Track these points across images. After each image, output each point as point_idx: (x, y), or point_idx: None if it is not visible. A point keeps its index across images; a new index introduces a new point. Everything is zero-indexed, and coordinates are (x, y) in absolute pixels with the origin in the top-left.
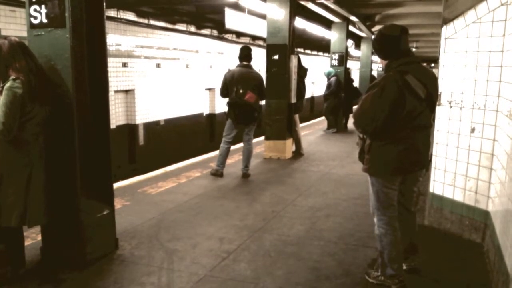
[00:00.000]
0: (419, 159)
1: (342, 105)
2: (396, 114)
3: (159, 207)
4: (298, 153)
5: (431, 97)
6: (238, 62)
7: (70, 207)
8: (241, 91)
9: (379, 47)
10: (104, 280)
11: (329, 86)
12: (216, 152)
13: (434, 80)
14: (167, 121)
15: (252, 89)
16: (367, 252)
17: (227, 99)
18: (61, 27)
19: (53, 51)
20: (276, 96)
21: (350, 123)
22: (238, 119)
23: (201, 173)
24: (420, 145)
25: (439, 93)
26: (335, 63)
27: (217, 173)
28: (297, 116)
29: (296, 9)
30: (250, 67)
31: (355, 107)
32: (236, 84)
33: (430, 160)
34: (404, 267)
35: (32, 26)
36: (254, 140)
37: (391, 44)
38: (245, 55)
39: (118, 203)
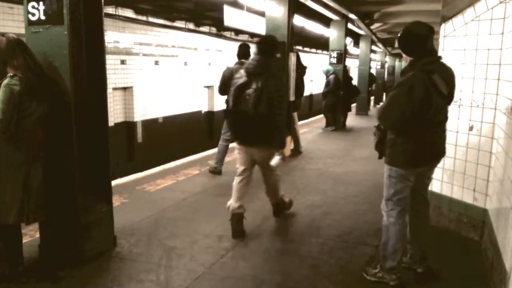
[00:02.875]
0: (439, 152)
1: (340, 103)
2: (423, 112)
3: (157, 204)
4: (296, 151)
5: (451, 94)
6: (236, 60)
7: (68, 205)
8: None
9: (406, 44)
10: (103, 278)
11: (327, 84)
12: (215, 150)
13: (453, 77)
14: (166, 119)
15: None
16: (365, 249)
17: (225, 97)
18: (59, 24)
19: (51, 48)
20: None
21: (349, 121)
22: None
23: (200, 171)
24: (440, 139)
25: None
26: (334, 61)
27: (216, 171)
28: (295, 114)
29: (295, 7)
30: None
31: (353, 105)
32: None
33: None
34: (420, 270)
35: (30, 23)
36: None
37: (419, 42)
38: (244, 52)
39: (116, 201)
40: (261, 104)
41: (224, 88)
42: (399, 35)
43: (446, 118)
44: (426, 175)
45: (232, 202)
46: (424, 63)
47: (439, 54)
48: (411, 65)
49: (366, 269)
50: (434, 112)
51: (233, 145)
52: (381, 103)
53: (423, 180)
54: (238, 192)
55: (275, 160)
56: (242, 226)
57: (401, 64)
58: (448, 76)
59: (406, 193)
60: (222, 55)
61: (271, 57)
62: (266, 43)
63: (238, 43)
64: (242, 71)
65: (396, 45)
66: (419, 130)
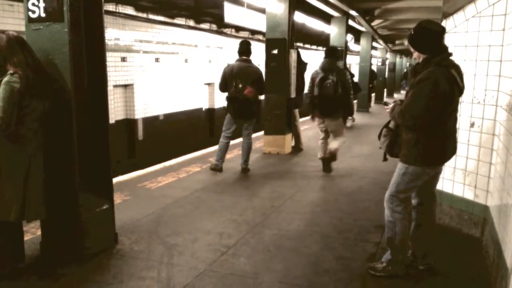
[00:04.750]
0: (455, 150)
1: None
2: (446, 107)
3: (158, 202)
4: (297, 148)
5: (462, 91)
6: (237, 57)
7: (69, 202)
8: (240, 85)
9: (420, 41)
10: (104, 275)
11: None
12: (216, 147)
13: (463, 74)
14: (166, 116)
15: (251, 83)
16: (366, 247)
17: (226, 94)
18: (59, 21)
19: (51, 46)
20: (275, 90)
21: (348, 119)
22: (237, 114)
23: (201, 168)
24: (455, 137)
25: None
26: None
27: (217, 168)
28: (297, 111)
29: (296, 3)
30: (249, 61)
31: (354, 102)
32: (235, 79)
33: None
34: (421, 267)
35: (30, 20)
36: (254, 135)
37: (434, 39)
38: (245, 49)
39: (117, 198)
40: (338, 89)
41: (225, 85)
42: (411, 33)
43: (457, 116)
44: (437, 171)
45: (321, 153)
46: (441, 59)
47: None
48: (426, 62)
49: (372, 267)
50: (454, 107)
51: (234, 142)
52: (391, 104)
53: (435, 177)
54: (322, 148)
55: (349, 122)
56: (330, 165)
57: (402, 60)
58: (460, 72)
59: (412, 191)
60: (223, 52)
61: (336, 59)
62: (333, 50)
63: (239, 40)
64: (318, 69)
65: (406, 42)
66: (441, 128)
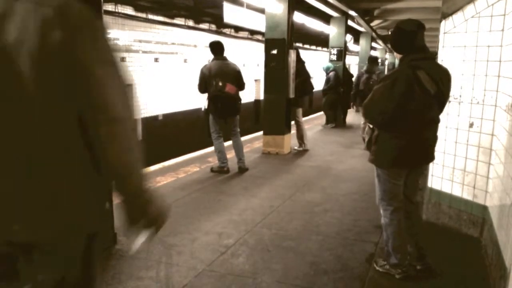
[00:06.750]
0: (425, 154)
1: (340, 100)
2: (405, 107)
3: None
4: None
5: (442, 95)
6: (233, 57)
7: None
8: (220, 83)
9: (394, 41)
10: (102, 275)
11: (327, 81)
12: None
13: (447, 77)
14: (166, 116)
15: (231, 81)
16: (365, 247)
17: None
18: None
19: None
20: (274, 91)
21: (348, 118)
22: (221, 113)
23: (199, 168)
24: (427, 141)
25: None
26: (334, 58)
27: (223, 170)
28: (300, 111)
29: (295, 4)
30: (225, 59)
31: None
32: (214, 78)
33: None
34: (419, 267)
35: None
36: (253, 135)
37: (406, 38)
38: (219, 48)
39: (116, 198)
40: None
41: (204, 86)
42: (390, 33)
43: (436, 120)
44: (415, 179)
45: (361, 132)
46: (411, 59)
47: (439, 52)
48: (400, 61)
49: (376, 260)
50: (418, 109)
51: (225, 144)
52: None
53: (413, 184)
54: (363, 129)
55: None
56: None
57: None
58: (437, 75)
59: (396, 192)
60: None
61: (375, 64)
62: (374, 58)
63: (238, 40)
64: (363, 71)
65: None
66: (403, 128)
